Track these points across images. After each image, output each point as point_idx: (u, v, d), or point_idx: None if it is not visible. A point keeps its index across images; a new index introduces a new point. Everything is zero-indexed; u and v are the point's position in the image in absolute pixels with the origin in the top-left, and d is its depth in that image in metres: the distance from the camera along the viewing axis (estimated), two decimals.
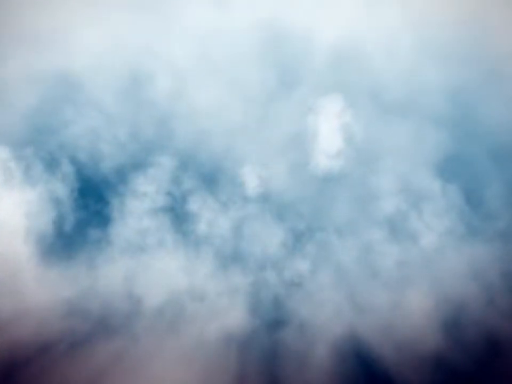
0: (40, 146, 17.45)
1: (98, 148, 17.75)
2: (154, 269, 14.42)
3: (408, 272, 14.95)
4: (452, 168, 16.57)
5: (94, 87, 17.84)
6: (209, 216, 16.62)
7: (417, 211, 16.10)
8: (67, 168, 17.55)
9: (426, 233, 15.82)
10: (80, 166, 17.53)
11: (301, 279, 15.37)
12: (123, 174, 17.65)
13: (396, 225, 15.01)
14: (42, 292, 13.09)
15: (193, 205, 16.89)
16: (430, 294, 15.29)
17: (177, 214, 16.65)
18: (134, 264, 14.42)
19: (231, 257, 15.98)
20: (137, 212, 16.60)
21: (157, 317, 13.70)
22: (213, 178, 17.13)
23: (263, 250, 15.90)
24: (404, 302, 14.88)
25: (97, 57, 17.56)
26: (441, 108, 15.76)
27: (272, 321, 14.92)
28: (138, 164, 17.83)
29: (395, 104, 15.43)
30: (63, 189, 16.42)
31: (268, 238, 16.00)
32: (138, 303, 13.81)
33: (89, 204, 16.90)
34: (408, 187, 16.12)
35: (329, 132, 15.92)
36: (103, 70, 17.73)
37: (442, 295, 15.28)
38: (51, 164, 17.47)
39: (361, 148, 15.14)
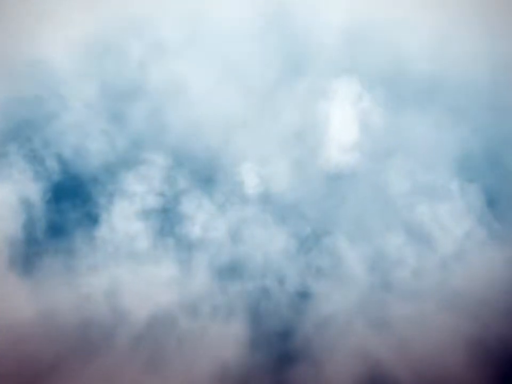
0: (22, 143, 15.91)
1: (85, 144, 16.15)
2: (142, 278, 12.76)
3: (426, 282, 13.13)
4: (473, 166, 14.66)
5: (78, 78, 16.21)
6: (204, 219, 14.93)
7: (434, 213, 14.24)
8: (50, 166, 15.98)
9: (444, 237, 13.97)
10: (65, 163, 15.95)
11: (306, 289, 13.62)
12: (111, 173, 16.03)
13: (413, 229, 13.17)
14: (16, 304, 11.52)
15: (187, 206, 15.22)
16: (449, 306, 13.45)
17: (169, 216, 14.99)
18: (119, 273, 12.78)
19: (228, 265, 14.29)
20: (125, 213, 14.97)
21: (143, 334, 12.07)
22: (208, 177, 15.43)
23: (264, 257, 14.17)
24: (420, 316, 13.07)
25: (80, 45, 15.90)
26: (465, 98, 13.82)
27: (275, 336, 13.22)
28: (127, 162, 16.20)
29: (415, 91, 13.48)
30: (42, 189, 14.84)
31: (269, 243, 14.26)
32: (122, 318, 12.19)
33: (72, 205, 15.32)
34: (425, 186, 14.25)
35: (343, 121, 13.98)
36: (87, 58, 16.07)
37: (464, 307, 13.43)
38: (33, 162, 15.92)
39: (378, 141, 13.24)
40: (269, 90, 15.03)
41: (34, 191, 14.91)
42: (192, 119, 15.92)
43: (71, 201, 15.42)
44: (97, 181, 16.00)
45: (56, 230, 13.70)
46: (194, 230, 14.80)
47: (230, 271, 14.02)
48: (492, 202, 14.51)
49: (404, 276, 12.87)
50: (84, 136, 16.18)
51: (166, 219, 14.97)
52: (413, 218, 13.30)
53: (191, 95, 15.84)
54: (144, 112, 16.20)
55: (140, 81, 16.25)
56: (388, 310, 12.77)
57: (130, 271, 12.80)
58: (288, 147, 14.93)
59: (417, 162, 13.50)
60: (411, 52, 13.39)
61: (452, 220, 14.22)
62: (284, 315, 13.45)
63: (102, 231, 14.12)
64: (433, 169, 14.16)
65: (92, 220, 14.72)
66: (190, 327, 12.43)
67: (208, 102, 15.76)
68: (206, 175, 15.38)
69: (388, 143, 13.15)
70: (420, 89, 13.40)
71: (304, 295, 13.48)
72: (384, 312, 12.82)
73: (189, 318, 12.56)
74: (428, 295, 13.13)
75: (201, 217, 15.08)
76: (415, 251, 13.23)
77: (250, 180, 15.22)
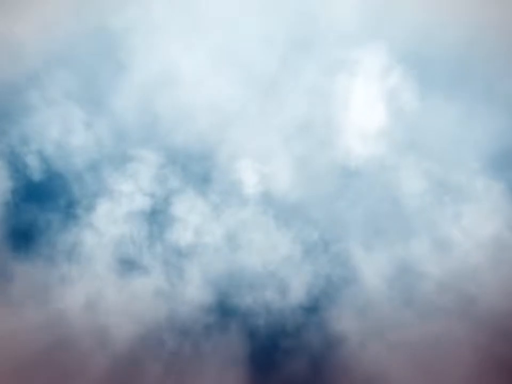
0: None
1: (66, 139, 14.46)
2: (125, 291, 10.97)
3: (452, 297, 11.17)
4: (502, 163, 12.63)
5: (59, 67, 14.50)
6: (197, 222, 13.12)
7: (459, 216, 12.24)
8: (30, 164, 14.33)
9: (470, 244, 11.97)
10: (46, 161, 14.28)
11: (313, 303, 11.73)
12: (95, 171, 14.29)
13: (437, 236, 11.20)
14: None
15: (179, 208, 13.41)
16: (477, 324, 11.46)
17: (158, 219, 13.20)
18: (99, 285, 11.00)
19: (224, 275, 12.45)
20: (109, 216, 13.20)
21: (125, 356, 10.27)
22: (203, 176, 13.61)
23: (265, 265, 12.31)
24: (446, 336, 11.12)
25: (60, 29, 14.18)
26: (501, 85, 11.74)
27: (278, 357, 11.36)
28: (114, 159, 14.44)
29: (447, 70, 11.39)
30: (18, 188, 13.14)
31: (271, 250, 12.39)
32: (101, 337, 10.40)
33: (50, 207, 13.61)
34: (449, 185, 12.27)
35: (364, 102, 11.91)
36: (69, 44, 14.34)
37: (496, 326, 11.44)
38: (10, 159, 14.28)
39: (406, 129, 11.21)
40: (271, 74, 13.12)
41: (9, 190, 13.25)
42: (185, 110, 14.11)
43: (49, 202, 13.72)
44: (79, 180, 14.29)
45: (28, 235, 11.98)
46: (186, 235, 12.99)
47: (226, 281, 12.19)
48: None
49: (428, 289, 10.91)
50: (66, 130, 14.48)
51: (155, 223, 13.18)
52: (436, 222, 11.32)
53: (184, 84, 14.03)
54: (132, 103, 14.41)
55: (127, 69, 14.47)
56: (408, 329, 10.83)
57: (112, 283, 11.02)
58: (293, 139, 13.03)
59: (442, 158, 11.51)
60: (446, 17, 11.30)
61: (474, 223, 12.24)
62: (287, 333, 11.59)
63: (82, 236, 12.37)
64: (459, 165, 12.16)
65: (72, 223, 12.98)
66: (180, 347, 10.61)
67: (202, 91, 13.93)
68: (200, 173, 13.55)
69: (415, 132, 11.13)
70: (453, 68, 11.29)
71: (310, 311, 11.58)
72: (404, 331, 10.88)
73: (178, 338, 10.74)
74: (455, 311, 11.16)
75: (194, 221, 13.27)
76: (439, 261, 11.26)
77: (249, 178, 13.35)
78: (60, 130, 14.48)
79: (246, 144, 13.70)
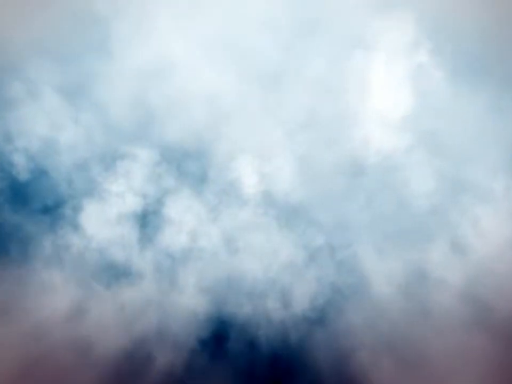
0: None
1: (55, 136, 13.41)
2: (112, 300, 9.84)
3: (472, 307, 9.99)
4: None
5: (45, 58, 13.44)
6: (193, 225, 12.00)
7: (475, 218, 11.05)
8: (15, 162, 13.31)
9: (484, 248, 10.78)
10: (32, 159, 13.24)
11: (318, 314, 10.57)
12: (85, 170, 13.21)
13: (456, 240, 10.03)
14: None
15: (173, 209, 12.30)
16: (498, 338, 10.27)
17: (151, 221, 12.08)
18: (83, 294, 9.87)
19: (222, 282, 11.32)
20: (98, 218, 12.09)
21: (111, 373, 9.13)
22: (199, 174, 12.48)
23: (265, 272, 11.17)
24: (467, 350, 9.95)
25: (47, 17, 13.11)
26: None
27: (279, 374, 10.20)
28: (104, 157, 13.35)
29: (473, 54, 10.04)
30: (2, 189, 12.08)
31: (272, 255, 11.25)
32: (85, 352, 9.27)
33: (36, 209, 12.54)
34: (468, 184, 11.09)
35: (385, 87, 10.50)
36: (56, 33, 13.28)
37: None
38: None
39: (433, 119, 9.94)
40: (274, 62, 11.98)
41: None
42: (180, 104, 13.01)
43: (34, 203, 12.64)
44: (68, 180, 13.20)
45: (8, 238, 10.88)
46: (181, 238, 11.87)
47: (224, 289, 11.05)
48: None
49: (445, 299, 9.73)
50: (52, 126, 13.41)
51: (147, 225, 12.06)
52: (453, 225, 10.14)
53: (178, 75, 12.92)
54: (123, 96, 13.31)
55: (117, 59, 13.36)
56: (423, 343, 9.65)
57: (97, 291, 9.89)
58: (297, 134, 11.89)
59: (461, 154, 10.33)
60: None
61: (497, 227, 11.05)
62: (290, 347, 10.43)
63: (67, 240, 11.26)
64: (478, 163, 10.99)
65: (57, 225, 11.88)
66: (171, 364, 9.47)
67: (198, 83, 12.82)
68: (196, 171, 12.43)
69: (441, 123, 9.87)
70: (485, 52, 9.80)
71: (315, 322, 10.42)
72: (419, 345, 9.71)
73: (169, 353, 9.60)
74: (474, 323, 9.97)
75: (190, 223, 12.16)
76: (456, 267, 10.08)
77: (248, 177, 12.22)
78: (46, 126, 13.41)
79: (246, 140, 12.58)
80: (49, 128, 13.29)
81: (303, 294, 10.57)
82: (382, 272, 9.73)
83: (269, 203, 11.58)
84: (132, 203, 12.47)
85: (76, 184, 12.87)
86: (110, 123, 13.34)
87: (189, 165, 12.67)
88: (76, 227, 11.74)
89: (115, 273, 10.51)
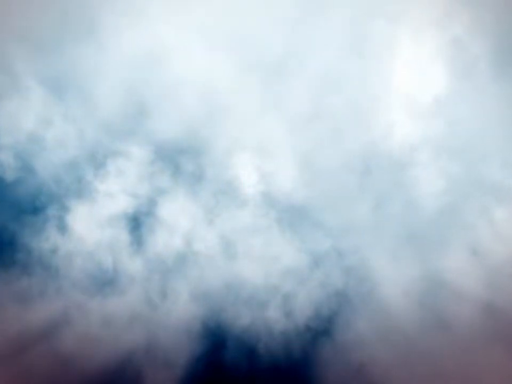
0: None
1: (43, 133, 12.45)
2: (98, 312, 8.81)
3: (494, 321, 8.93)
4: None
5: (32, 50, 12.48)
6: (188, 227, 10.98)
7: (493, 219, 9.97)
8: (0, 159, 12.35)
9: (505, 253, 9.69)
10: (19, 157, 12.30)
11: (323, 325, 9.52)
12: (75, 169, 12.24)
13: (475, 245, 8.97)
14: None
15: (167, 210, 11.28)
16: None
17: (142, 224, 11.07)
18: (67, 304, 8.85)
19: (218, 289, 10.28)
20: (86, 221, 11.09)
21: None
22: (195, 173, 11.47)
23: (266, 279, 10.14)
24: (486, 366, 8.88)
25: (34, 9, 12.12)
26: None
27: None
28: (95, 155, 12.38)
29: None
30: None
31: (274, 260, 10.22)
32: (68, 365, 8.24)
33: (23, 210, 11.58)
34: (486, 183, 10.03)
35: (411, 67, 9.10)
36: (43, 23, 12.30)
37: None
38: None
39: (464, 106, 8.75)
40: (276, 52, 10.94)
41: None
42: (175, 98, 12.00)
43: (19, 204, 11.66)
44: (57, 180, 12.24)
45: None
46: (175, 242, 10.84)
47: (220, 298, 10.02)
48: None
49: (465, 310, 8.67)
50: (41, 122, 12.45)
51: (138, 228, 11.04)
52: (474, 228, 9.07)
53: (174, 68, 11.92)
54: (115, 90, 12.30)
55: (109, 51, 12.36)
56: (441, 357, 8.59)
57: (80, 302, 8.86)
58: (300, 129, 10.85)
59: (483, 152, 9.26)
60: None
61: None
62: (293, 360, 9.39)
63: (50, 245, 10.25)
64: (498, 161, 9.92)
65: (41, 228, 10.88)
66: (161, 383, 8.43)
67: (195, 76, 11.81)
68: (191, 170, 11.42)
69: (472, 110, 8.70)
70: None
71: (320, 334, 9.37)
72: (437, 361, 8.65)
73: (159, 370, 8.56)
74: (496, 336, 8.90)
75: (184, 225, 11.14)
76: (477, 275, 9.01)
77: (248, 176, 11.20)
78: (34, 122, 12.44)
79: (245, 136, 11.56)
80: (35, 124, 12.32)
81: (307, 303, 9.52)
82: (394, 280, 8.67)
83: (270, 204, 10.54)
84: (122, 204, 11.46)
85: (63, 183, 11.88)
86: (100, 118, 12.34)
87: (183, 162, 11.66)
88: (61, 230, 10.74)
89: (101, 281, 9.49)
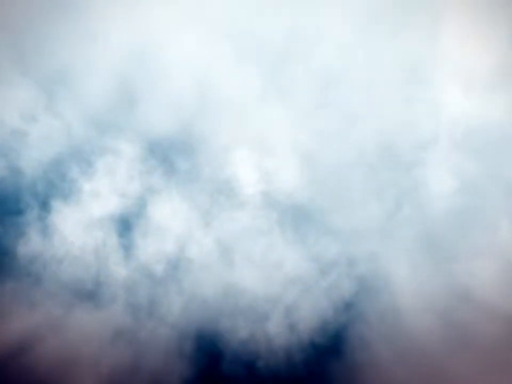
0: None
1: (26, 129, 11.41)
2: (76, 329, 7.63)
3: None
4: None
5: (13, 37, 11.41)
6: (181, 231, 9.82)
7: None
8: None
9: None
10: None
11: (330, 341, 8.30)
12: (60, 167, 11.16)
13: (508, 255, 7.72)
14: None
15: (158, 212, 10.13)
16: None
17: (131, 227, 9.91)
18: (39, 320, 7.68)
19: (213, 301, 9.08)
20: (69, 224, 9.95)
21: None
22: (189, 171, 10.32)
23: (266, 288, 8.94)
24: None
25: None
26: None
27: None
28: (82, 152, 11.28)
29: None
30: None
31: (275, 267, 9.02)
32: None
33: (3, 211, 10.53)
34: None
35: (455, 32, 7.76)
36: (28, 9, 11.22)
37: None
38: None
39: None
40: (279, 40, 9.80)
41: None
42: (169, 91, 10.88)
43: (1, 204, 10.61)
44: (41, 179, 11.15)
45: None
46: (166, 247, 9.67)
47: (216, 310, 8.82)
48: None
49: (493, 326, 7.43)
50: (23, 117, 11.38)
51: (127, 232, 9.88)
52: (506, 235, 7.83)
53: (168, 59, 10.81)
54: (104, 82, 11.20)
55: (98, 41, 11.27)
56: (468, 381, 7.35)
57: (59, 315, 7.68)
58: (305, 122, 9.68)
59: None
60: None
61: None
62: (295, 379, 8.16)
63: (26, 251, 9.09)
64: None
65: (23, 232, 9.76)
66: None
67: (190, 67, 10.69)
68: (186, 168, 10.27)
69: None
70: None
71: (328, 352, 8.14)
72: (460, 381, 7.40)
73: None
74: None
75: (178, 228, 9.98)
76: (506, 287, 7.75)
77: (247, 175, 10.03)
78: (16, 117, 11.38)
79: (244, 131, 10.40)
80: (19, 120, 11.27)
81: (312, 316, 8.30)
82: (414, 292, 7.44)
83: (271, 205, 9.35)
84: (110, 205, 10.31)
85: (47, 182, 10.77)
86: (88, 113, 11.22)
87: (177, 160, 10.51)
88: (43, 233, 9.59)
89: (83, 291, 8.31)
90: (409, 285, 7.67)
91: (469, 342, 7.39)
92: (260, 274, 9.15)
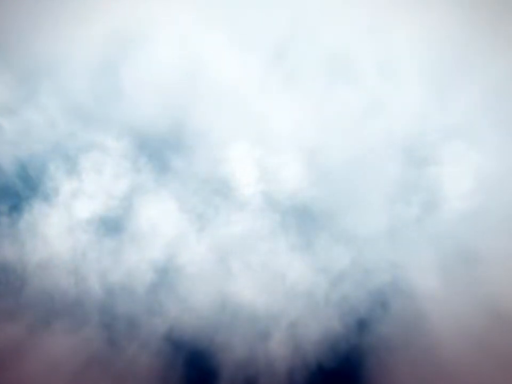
0: None
1: (4, 125, 10.20)
2: (42, 355, 6.31)
3: None
4: None
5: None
6: (171, 236, 8.53)
7: None
8: None
9: None
10: None
11: (341, 365, 6.96)
12: (41, 165, 9.96)
13: None
14: None
15: (148, 215, 8.86)
16: None
17: (115, 232, 8.63)
18: (2, 342, 6.36)
19: (209, 315, 7.75)
20: (45, 229, 8.68)
21: None
22: (181, 170, 9.06)
23: (268, 301, 7.61)
24: None
25: None
26: None
27: None
28: (65, 148, 10.08)
29: None
30: None
31: (277, 278, 7.71)
32: None
33: None
34: None
35: None
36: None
37: None
38: None
39: None
40: (281, 28, 8.58)
41: None
42: (160, 81, 9.66)
43: None
44: (21, 178, 9.92)
45: None
46: (155, 254, 8.36)
47: (211, 327, 7.48)
48: None
49: None
50: (5, 111, 10.23)
51: (112, 236, 8.60)
52: None
53: (158, 44, 9.59)
54: (91, 74, 9.99)
55: (84, 30, 10.09)
56: None
57: (23, 337, 6.35)
58: (309, 116, 8.41)
59: None
60: None
61: None
62: None
63: (3, 256, 7.80)
64: None
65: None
66: None
67: (183, 55, 9.47)
68: (179, 165, 9.01)
69: None
70: None
71: (337, 377, 6.80)
72: None
73: None
74: None
75: (169, 233, 8.71)
76: None
77: (246, 173, 8.76)
78: None
79: (242, 125, 9.15)
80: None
81: (320, 335, 6.96)
82: (442, 309, 6.10)
83: (273, 206, 8.04)
84: (93, 207, 9.02)
85: (26, 180, 9.54)
86: (72, 106, 10.02)
87: (169, 156, 9.24)
88: (15, 238, 8.30)
89: (53, 310, 6.98)
90: (436, 300, 6.34)
91: (506, 365, 6.06)
92: (260, 286, 7.83)
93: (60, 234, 8.53)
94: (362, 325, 6.63)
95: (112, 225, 8.81)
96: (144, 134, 9.63)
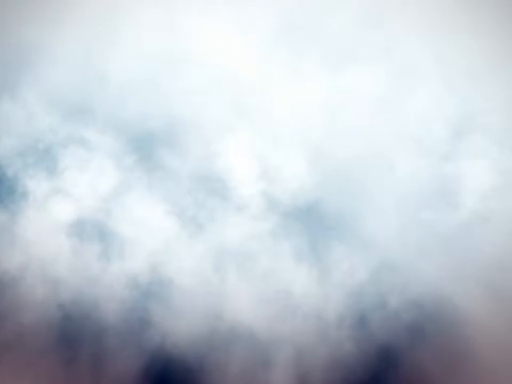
0: None
1: None
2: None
3: None
4: None
5: None
6: (158, 242, 7.20)
7: None
8: None
9: None
10: None
11: None
12: (20, 164, 8.84)
13: None
14: None
15: (130, 218, 7.58)
16: None
17: (103, 238, 7.35)
18: None
19: (201, 335, 6.36)
20: (31, 234, 7.47)
21: None
22: (171, 168, 7.80)
23: (269, 321, 6.22)
24: None
25: None
26: None
27: None
28: (44, 145, 8.96)
29: None
30: None
31: (280, 293, 6.32)
32: None
33: None
34: None
35: None
36: None
37: None
38: None
39: None
40: (284, 9, 7.41)
41: None
42: (144, 68, 8.48)
43: None
44: None
45: None
46: (140, 265, 7.02)
47: (202, 352, 6.08)
48: None
49: None
50: None
51: (99, 243, 7.34)
52: None
53: (143, 29, 8.47)
54: (71, 61, 8.84)
55: (66, 15, 9.02)
56: None
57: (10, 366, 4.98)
58: (315, 106, 7.15)
59: None
60: None
61: None
62: None
63: None
64: None
65: None
66: None
67: (174, 38, 8.31)
68: (168, 161, 7.75)
69: None
70: None
71: None
72: None
73: None
74: None
75: (155, 239, 7.38)
76: None
77: (244, 171, 7.46)
78: None
79: (240, 116, 7.89)
80: None
81: (333, 366, 5.52)
82: (491, 333, 4.64)
83: (274, 208, 6.69)
84: (74, 209, 7.75)
85: (8, 183, 8.37)
86: (50, 96, 8.91)
87: (157, 152, 7.98)
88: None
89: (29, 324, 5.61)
90: (483, 322, 4.89)
91: None
92: (260, 302, 6.43)
93: (38, 238, 7.24)
94: (385, 353, 5.17)
95: (94, 229, 7.51)
96: (130, 127, 8.37)
